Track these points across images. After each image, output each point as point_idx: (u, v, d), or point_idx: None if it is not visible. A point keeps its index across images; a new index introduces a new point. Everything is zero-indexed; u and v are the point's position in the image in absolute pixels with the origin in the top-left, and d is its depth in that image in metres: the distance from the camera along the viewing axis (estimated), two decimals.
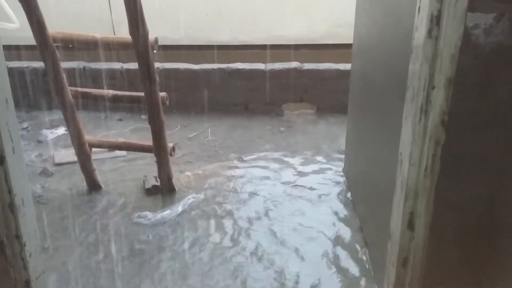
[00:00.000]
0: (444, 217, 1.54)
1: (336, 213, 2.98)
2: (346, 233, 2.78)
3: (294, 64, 4.58)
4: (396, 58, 1.89)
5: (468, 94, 1.39)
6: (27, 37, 2.83)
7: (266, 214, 2.97)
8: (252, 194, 3.22)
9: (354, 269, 2.48)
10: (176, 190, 3.23)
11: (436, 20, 1.34)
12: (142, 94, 2.88)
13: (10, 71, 4.47)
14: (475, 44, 1.35)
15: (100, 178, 3.30)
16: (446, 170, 1.47)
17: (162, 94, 2.90)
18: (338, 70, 4.50)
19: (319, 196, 3.18)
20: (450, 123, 1.41)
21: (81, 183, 3.28)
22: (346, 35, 3.82)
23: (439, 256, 1.60)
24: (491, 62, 1.36)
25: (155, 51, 2.75)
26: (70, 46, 2.86)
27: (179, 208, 3.02)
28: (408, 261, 1.63)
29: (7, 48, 1.76)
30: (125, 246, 2.70)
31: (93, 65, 4.70)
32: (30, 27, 2.71)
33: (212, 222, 2.91)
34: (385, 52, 2.17)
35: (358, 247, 2.64)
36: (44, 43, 2.76)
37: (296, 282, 2.39)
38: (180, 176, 3.42)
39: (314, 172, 3.51)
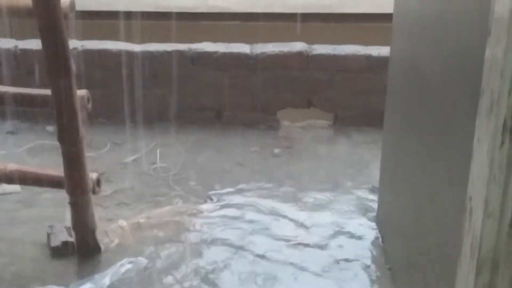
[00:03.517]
0: None
1: None
2: None
3: (298, 46, 4.60)
4: (464, 42, 1.89)
5: None
6: None
7: None
8: (226, 260, 3.20)
9: None
10: (102, 249, 3.21)
11: None
12: (48, 92, 2.87)
13: None
14: None
15: None
16: None
17: (82, 92, 2.89)
18: (368, 57, 4.53)
19: (337, 262, 3.17)
20: None
21: None
22: (381, 0, 3.85)
23: None
24: None
25: (70, 18, 2.75)
26: None
27: (105, 280, 2.99)
28: None
29: None
30: None
31: None
32: None
33: None
34: (446, 31, 2.18)
35: None
36: None
37: None
38: (109, 227, 3.40)
39: (329, 223, 3.51)
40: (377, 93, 3.64)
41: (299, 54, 4.58)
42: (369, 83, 4.48)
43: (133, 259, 3.15)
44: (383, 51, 4.31)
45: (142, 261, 3.15)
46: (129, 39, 4.69)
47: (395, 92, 3.15)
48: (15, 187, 3.73)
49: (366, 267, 3.14)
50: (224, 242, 3.33)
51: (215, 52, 4.60)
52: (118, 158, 4.20)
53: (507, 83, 1.41)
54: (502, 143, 1.44)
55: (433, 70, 2.37)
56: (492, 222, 1.50)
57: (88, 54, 4.55)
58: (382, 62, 4.04)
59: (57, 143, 2.97)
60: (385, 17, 3.26)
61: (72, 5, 2.74)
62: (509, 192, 1.46)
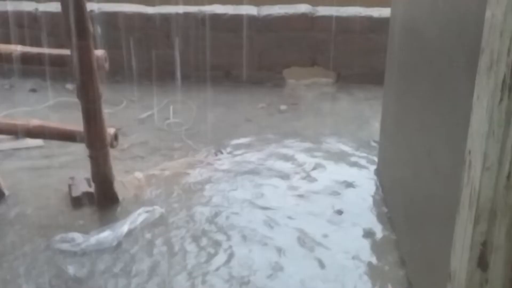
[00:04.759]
0: None
1: (365, 238, 2.99)
2: (379, 268, 2.78)
3: (302, 8, 4.58)
4: (463, 2, 1.86)
5: None
6: None
7: (260, 241, 2.97)
8: (237, 207, 3.21)
9: None
10: (120, 200, 3.22)
11: None
12: (67, 52, 2.85)
13: None
14: None
15: (2, 180, 3.27)
16: None
17: (99, 52, 2.87)
18: (369, 18, 4.51)
19: (340, 211, 3.18)
20: None
21: None
22: None
23: None
24: None
25: None
26: None
27: (123, 228, 3.00)
28: None
29: None
30: (40, 286, 2.66)
31: None
32: None
33: (175, 251, 2.90)
34: None
35: None
36: None
37: None
38: (126, 178, 3.41)
39: (333, 173, 3.53)
40: (378, 52, 3.62)
41: (304, 15, 4.55)
42: (370, 43, 4.46)
43: (149, 208, 3.15)
44: (384, 12, 4.29)
45: (158, 210, 3.15)
46: (143, 1, 4.66)
47: (395, 51, 3.13)
48: (38, 141, 3.74)
49: (366, 215, 3.15)
50: (233, 192, 3.34)
51: (224, 14, 4.58)
52: (133, 114, 4.20)
53: (506, 42, 1.39)
54: (501, 99, 1.42)
55: (432, 30, 2.35)
56: (490, 174, 1.49)
57: (105, 16, 4.51)
58: (383, 23, 4.00)
59: (76, 100, 2.96)
60: None
61: None
62: (507, 146, 1.45)
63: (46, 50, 3.11)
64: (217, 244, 2.93)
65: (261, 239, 2.96)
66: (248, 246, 2.92)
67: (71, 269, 2.77)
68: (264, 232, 3.02)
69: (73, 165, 3.51)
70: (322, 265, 2.80)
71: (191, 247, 2.91)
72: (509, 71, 1.40)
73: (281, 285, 2.69)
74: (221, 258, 2.84)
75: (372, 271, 2.77)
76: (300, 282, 2.70)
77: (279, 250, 2.89)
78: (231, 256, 2.85)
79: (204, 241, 2.94)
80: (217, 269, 2.77)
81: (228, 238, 2.97)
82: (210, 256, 2.84)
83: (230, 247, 2.91)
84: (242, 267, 2.78)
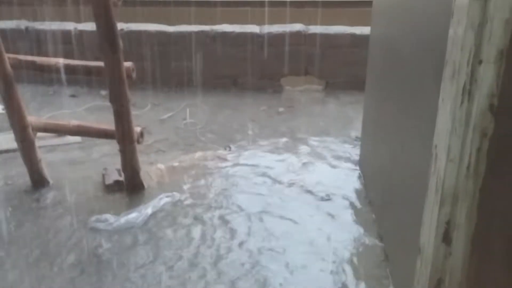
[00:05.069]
0: (490, 228, 1.53)
1: (348, 218, 2.98)
2: (360, 243, 2.78)
3: (297, 27, 4.56)
4: (431, 22, 1.86)
5: None
6: None
7: (261, 220, 2.96)
8: (242, 193, 3.20)
9: None
10: (145, 187, 3.22)
11: None
12: (101, 64, 2.84)
13: None
14: None
15: (47, 170, 3.27)
16: (494, 168, 1.45)
17: (128, 64, 2.87)
18: (353, 36, 4.50)
19: (328, 195, 3.17)
20: (501, 108, 1.38)
21: (23, 177, 3.26)
22: None
23: (483, 277, 1.59)
24: None
25: (118, 6, 2.71)
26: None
27: (148, 210, 3.00)
28: (443, 283, 1.62)
29: None
30: (78, 258, 2.67)
31: (39, 25, 4.64)
32: None
33: (191, 229, 2.89)
34: (416, 13, 2.14)
35: (376, 261, 2.64)
36: None
37: None
38: (150, 169, 3.40)
39: (322, 165, 3.52)
40: (360, 64, 3.60)
41: (298, 33, 4.54)
42: (354, 56, 4.44)
43: (169, 194, 3.15)
44: (365, 30, 4.27)
45: (176, 195, 3.15)
46: (164, 22, 4.66)
47: (374, 63, 3.11)
48: (77, 138, 3.74)
49: (350, 200, 3.14)
50: (240, 180, 3.34)
51: (232, 32, 4.57)
52: (156, 115, 4.19)
53: (466, 55, 1.39)
54: (462, 102, 1.43)
55: (405, 45, 2.34)
56: (453, 165, 1.49)
57: (132, 34, 4.51)
58: (364, 39, 3.98)
59: (108, 104, 2.95)
60: (366, 4, 3.22)
61: None
62: (467, 142, 1.45)
63: (83, 62, 3.10)
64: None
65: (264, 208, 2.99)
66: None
67: (104, 244, 2.77)
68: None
69: (106, 158, 3.51)
70: (312, 243, 2.81)
71: (207, 226, 2.92)
72: (469, 79, 1.40)
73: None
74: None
75: (355, 244, 2.77)
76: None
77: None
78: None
79: (217, 212, 2.96)
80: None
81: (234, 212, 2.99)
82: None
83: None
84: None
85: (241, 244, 2.76)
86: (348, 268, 2.60)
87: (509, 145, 1.44)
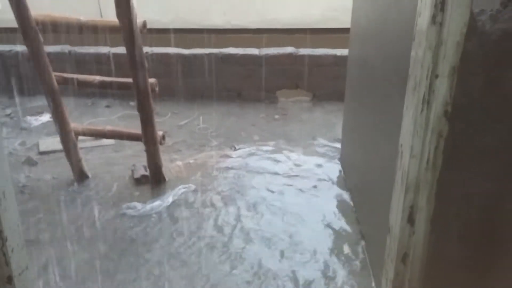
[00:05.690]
0: (446, 211, 1.53)
1: (332, 203, 2.99)
2: (341, 224, 2.78)
3: (289, 50, 4.55)
4: (397, 45, 1.86)
5: (473, 84, 1.37)
6: (9, 19, 2.77)
7: (262, 205, 2.96)
8: (246, 184, 3.20)
9: (350, 263, 2.47)
10: (166, 180, 3.21)
11: (440, 5, 1.31)
12: (130, 80, 2.84)
13: None
14: (481, 31, 1.33)
15: (86, 167, 3.27)
16: (449, 163, 1.45)
17: (152, 80, 2.87)
18: (335, 56, 4.48)
19: (315, 186, 3.17)
20: (454, 114, 1.39)
21: (67, 173, 3.25)
22: (343, 19, 3.79)
23: (441, 252, 1.58)
24: (498, 50, 1.33)
25: (143, 33, 2.71)
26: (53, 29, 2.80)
27: (169, 199, 3.00)
28: (408, 257, 1.62)
29: None
30: (113, 238, 2.67)
31: (79, 49, 4.64)
32: (11, 9, 2.65)
33: (205, 213, 2.89)
34: (385, 38, 2.14)
35: (354, 239, 2.63)
36: (26, 25, 2.71)
37: (295, 279, 2.38)
38: (170, 165, 3.40)
39: (310, 161, 3.51)
40: (341, 79, 3.58)
41: (290, 54, 4.52)
42: (335, 72, 4.42)
43: (186, 185, 3.15)
44: (344, 52, 4.24)
45: (192, 186, 3.15)
46: (181, 46, 4.65)
47: (352, 78, 3.11)
48: (110, 141, 3.73)
49: (333, 188, 3.15)
50: (244, 173, 3.34)
51: (236, 54, 4.55)
52: (175, 122, 4.18)
53: (425, 71, 1.40)
54: (422, 110, 1.43)
55: (377, 62, 2.35)
56: (415, 161, 1.49)
57: (156, 56, 4.51)
58: (343, 59, 3.98)
59: (136, 113, 2.95)
60: (345, 31, 3.22)
61: (145, 25, 2.71)
62: (426, 142, 1.45)
63: (116, 79, 3.11)
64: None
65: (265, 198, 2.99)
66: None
67: (134, 227, 2.78)
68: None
69: (134, 157, 3.50)
70: (302, 220, 2.82)
71: (218, 211, 2.92)
72: (427, 90, 1.40)
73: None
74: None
75: (336, 225, 2.77)
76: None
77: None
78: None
79: (226, 199, 2.96)
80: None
81: (239, 200, 2.99)
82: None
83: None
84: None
85: (246, 217, 2.79)
86: (334, 243, 2.61)
87: (461, 144, 1.44)
